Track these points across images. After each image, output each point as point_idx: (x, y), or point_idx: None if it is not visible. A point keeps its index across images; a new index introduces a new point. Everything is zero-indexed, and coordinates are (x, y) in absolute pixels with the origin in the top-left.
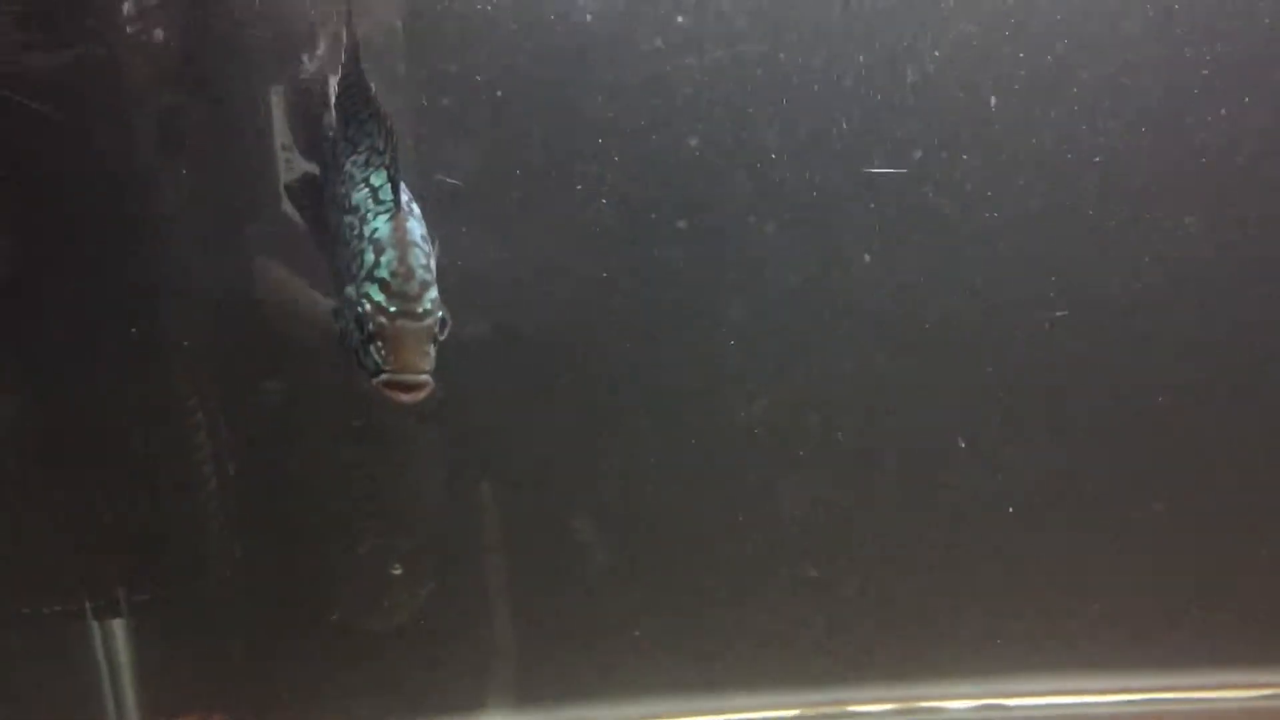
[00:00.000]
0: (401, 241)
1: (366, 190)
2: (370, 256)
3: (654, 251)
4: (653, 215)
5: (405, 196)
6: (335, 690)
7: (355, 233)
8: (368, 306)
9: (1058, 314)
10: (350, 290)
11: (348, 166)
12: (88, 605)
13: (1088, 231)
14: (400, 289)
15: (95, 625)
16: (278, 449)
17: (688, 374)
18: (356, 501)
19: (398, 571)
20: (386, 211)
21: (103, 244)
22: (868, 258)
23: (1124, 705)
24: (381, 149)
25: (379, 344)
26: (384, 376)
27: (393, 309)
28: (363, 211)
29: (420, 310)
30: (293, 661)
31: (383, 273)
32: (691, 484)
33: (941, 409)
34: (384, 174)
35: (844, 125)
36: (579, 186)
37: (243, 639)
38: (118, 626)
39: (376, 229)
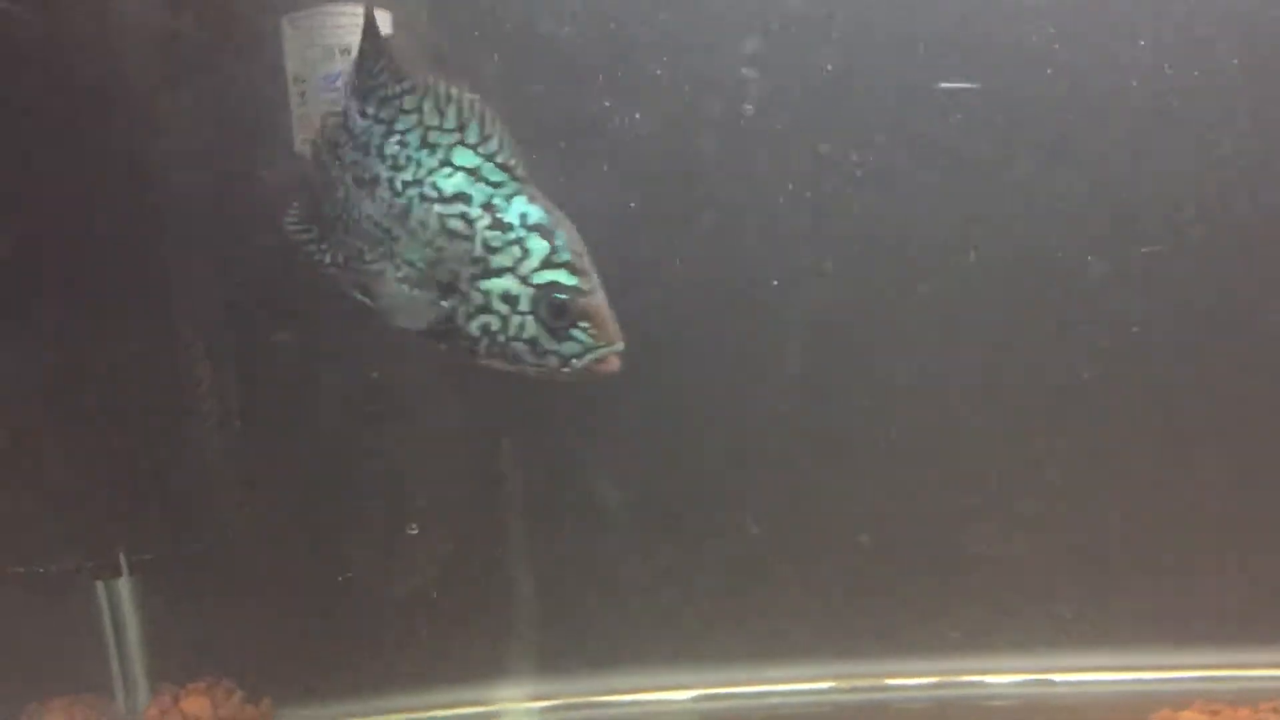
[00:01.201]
0: (561, 219)
1: (460, 174)
2: (539, 243)
3: None
4: None
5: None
6: (345, 655)
7: (482, 223)
8: (563, 293)
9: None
10: (505, 283)
11: (392, 149)
12: (86, 564)
13: None
14: (584, 266)
15: (101, 588)
16: (287, 405)
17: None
18: (369, 461)
19: (413, 532)
20: (514, 193)
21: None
22: None
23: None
24: (459, 125)
25: (584, 324)
26: (598, 353)
27: (586, 287)
28: (480, 198)
29: (599, 281)
30: (302, 626)
31: (564, 255)
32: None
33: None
34: (472, 153)
35: None
36: None
37: (250, 602)
38: (124, 588)
39: (526, 213)
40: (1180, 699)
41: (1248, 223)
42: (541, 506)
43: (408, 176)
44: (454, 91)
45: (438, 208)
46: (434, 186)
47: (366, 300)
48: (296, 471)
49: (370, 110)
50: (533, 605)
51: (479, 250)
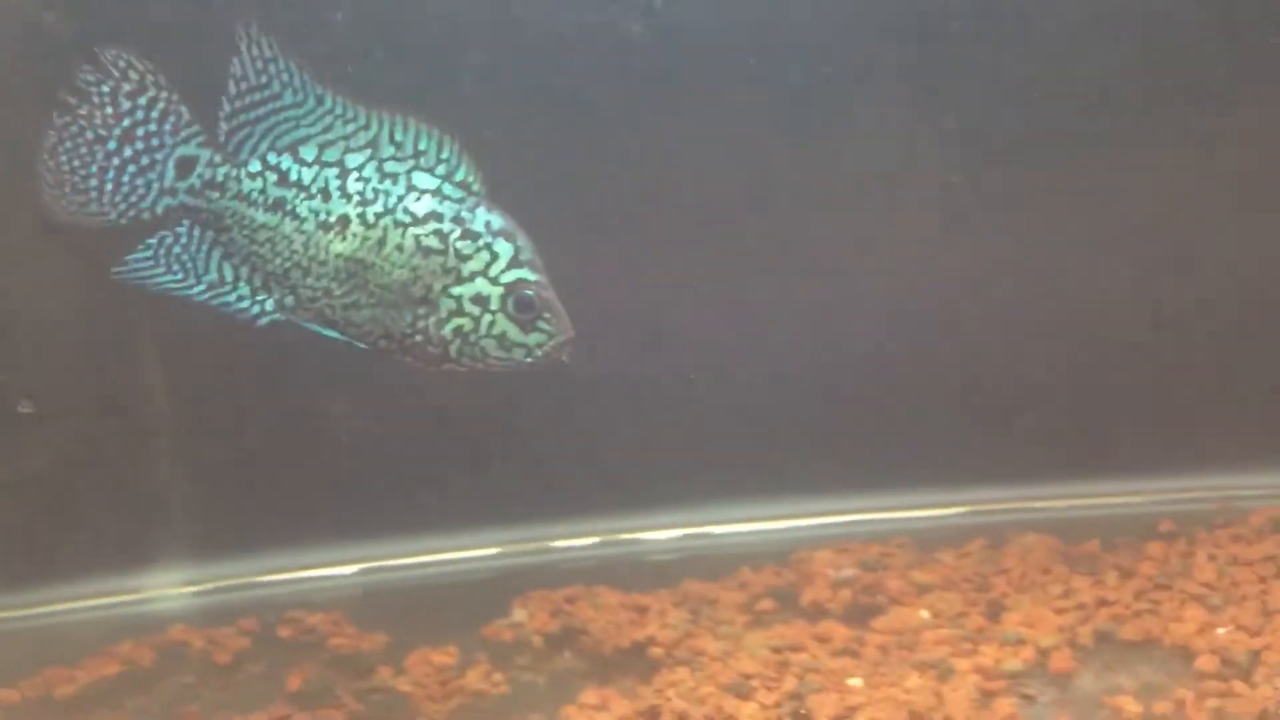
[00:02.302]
0: (515, 224)
1: (426, 195)
2: (505, 245)
3: None
4: None
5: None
6: None
7: (454, 235)
8: (529, 289)
9: None
10: (477, 285)
11: (354, 187)
12: None
13: None
14: (539, 264)
15: None
16: None
17: None
18: None
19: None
20: (477, 203)
21: None
22: None
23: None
24: (415, 153)
25: (547, 315)
26: (558, 340)
27: (545, 282)
28: (449, 213)
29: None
30: None
31: (527, 255)
32: None
33: None
34: (429, 175)
35: None
36: None
37: None
38: None
39: (490, 221)
40: (819, 542)
41: None
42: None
43: (378, 209)
44: (407, 121)
45: (412, 230)
46: (406, 212)
47: (332, 333)
48: None
49: (310, 157)
50: (181, 489)
51: (452, 260)
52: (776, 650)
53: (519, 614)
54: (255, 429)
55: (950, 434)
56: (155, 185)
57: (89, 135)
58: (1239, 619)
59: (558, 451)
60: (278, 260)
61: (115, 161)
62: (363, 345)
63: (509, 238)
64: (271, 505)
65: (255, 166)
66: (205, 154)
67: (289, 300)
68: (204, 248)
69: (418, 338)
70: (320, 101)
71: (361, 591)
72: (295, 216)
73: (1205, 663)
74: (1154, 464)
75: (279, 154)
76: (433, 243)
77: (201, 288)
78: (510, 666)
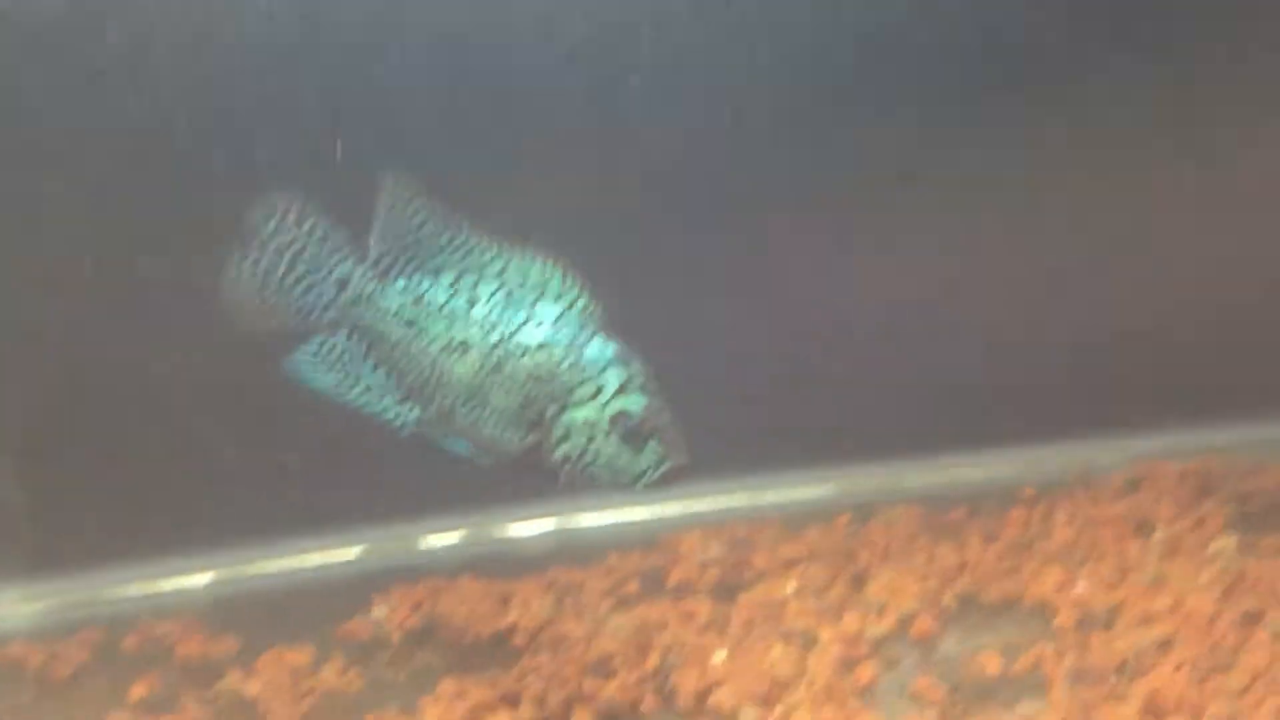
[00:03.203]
0: (627, 352)
1: (545, 326)
2: (614, 375)
3: None
4: None
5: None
6: None
7: (566, 365)
8: (637, 416)
9: None
10: (586, 412)
11: (481, 313)
12: None
13: None
14: (652, 390)
15: None
16: None
17: None
18: None
19: None
20: (592, 335)
21: None
22: None
23: None
24: (542, 284)
25: (655, 440)
26: (668, 464)
27: (656, 408)
28: (564, 344)
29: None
30: None
31: (636, 382)
32: None
33: None
34: (552, 306)
35: None
36: None
37: None
38: None
39: (603, 350)
40: (689, 526)
41: None
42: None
43: (496, 336)
44: (534, 256)
45: (527, 359)
46: (522, 340)
47: (456, 449)
48: None
49: (447, 283)
50: (21, 501)
51: (562, 389)
52: (640, 630)
53: (379, 610)
54: (101, 437)
55: (817, 413)
56: (319, 300)
57: (264, 264)
58: (1097, 575)
59: (420, 447)
60: (411, 375)
61: (287, 283)
62: (489, 460)
63: (619, 367)
64: (118, 515)
65: (399, 285)
66: (357, 271)
67: (426, 413)
68: (359, 356)
69: (534, 456)
70: (460, 234)
71: (215, 600)
72: (425, 335)
73: (1065, 619)
74: (1017, 435)
75: (421, 277)
76: (544, 371)
77: (358, 390)
78: (369, 663)
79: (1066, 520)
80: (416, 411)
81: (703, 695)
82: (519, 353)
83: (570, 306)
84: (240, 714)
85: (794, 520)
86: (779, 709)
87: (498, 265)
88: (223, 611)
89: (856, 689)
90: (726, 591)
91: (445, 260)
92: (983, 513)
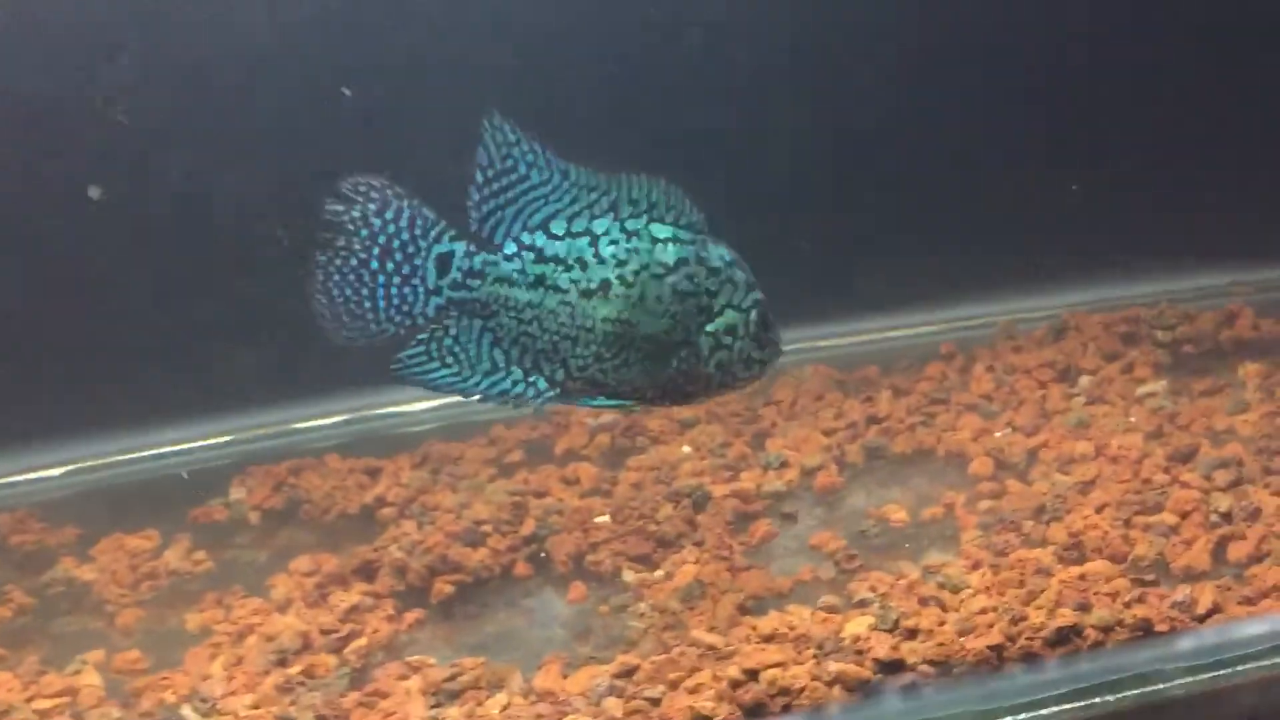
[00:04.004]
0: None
1: (670, 244)
2: (739, 273)
3: None
4: None
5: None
6: None
7: (701, 275)
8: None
9: None
10: (728, 318)
11: (607, 250)
12: None
13: None
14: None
15: None
16: None
17: None
18: None
19: None
20: (707, 240)
21: None
22: None
23: None
24: (649, 205)
25: (774, 328)
26: (780, 350)
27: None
28: (692, 256)
29: None
30: None
31: (752, 277)
32: None
33: None
34: (662, 224)
35: None
36: None
37: None
38: None
39: (723, 253)
40: None
41: None
42: None
43: (634, 266)
44: (637, 178)
45: (668, 279)
46: (659, 264)
47: (603, 401)
48: None
49: (561, 231)
50: None
51: (705, 299)
52: (517, 496)
53: (237, 492)
54: None
55: None
56: (420, 289)
57: (352, 263)
58: (1016, 422)
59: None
60: (546, 336)
61: (381, 279)
62: (632, 404)
63: (740, 265)
64: None
65: (511, 248)
66: (460, 246)
67: (559, 374)
68: (474, 338)
69: (680, 380)
70: (565, 176)
71: (66, 492)
72: (557, 289)
73: (979, 466)
74: (938, 295)
75: (531, 232)
76: (686, 286)
77: (477, 378)
78: (224, 546)
79: (985, 371)
80: (555, 374)
81: (579, 559)
82: (660, 274)
83: (682, 217)
84: (71, 600)
85: None
86: (662, 569)
87: (606, 196)
88: (71, 504)
89: (749, 545)
90: (617, 456)
91: (555, 207)
92: (896, 370)
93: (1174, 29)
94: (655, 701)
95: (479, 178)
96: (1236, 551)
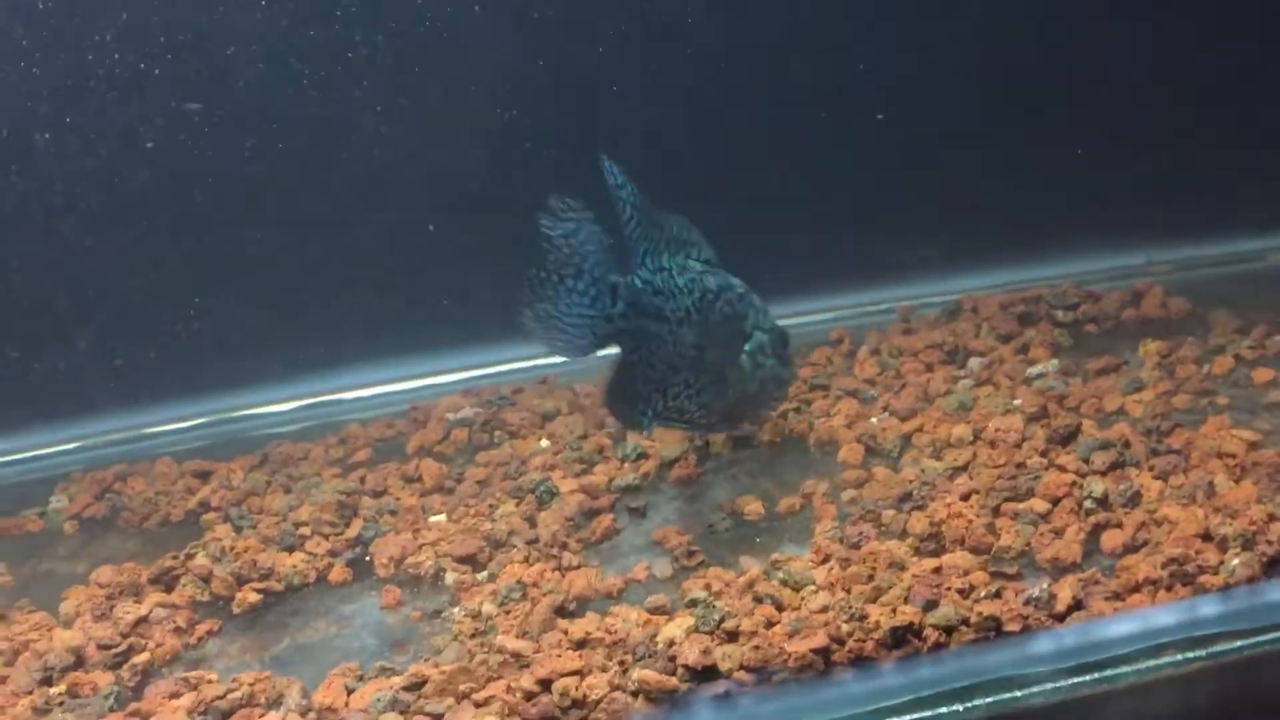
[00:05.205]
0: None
1: (707, 275)
2: (754, 298)
3: None
4: None
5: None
6: None
7: (734, 298)
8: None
9: None
10: (758, 338)
11: (680, 281)
12: None
13: None
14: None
15: None
16: None
17: None
18: None
19: None
20: (719, 272)
21: None
22: None
23: None
24: (686, 244)
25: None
26: (797, 365)
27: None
28: (722, 284)
29: None
30: None
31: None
32: None
33: None
34: (696, 261)
35: None
36: None
37: None
38: None
39: (733, 282)
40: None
41: None
42: None
43: (698, 294)
44: (678, 218)
45: (718, 304)
46: (710, 291)
47: (683, 425)
48: None
49: (654, 266)
50: None
51: (739, 322)
52: (345, 496)
53: (57, 501)
54: None
55: None
56: (601, 313)
57: (554, 278)
58: (894, 407)
59: (146, 329)
60: (661, 365)
61: (575, 298)
62: (704, 429)
63: (748, 291)
64: None
65: (638, 283)
66: (620, 278)
67: (659, 403)
68: (635, 369)
69: (737, 399)
70: (644, 212)
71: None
72: (666, 319)
73: (849, 454)
74: (831, 281)
75: (640, 268)
76: (728, 310)
77: (656, 400)
78: (33, 558)
79: (870, 355)
80: (655, 405)
81: (399, 561)
82: (712, 300)
83: (700, 256)
84: None
85: (571, 375)
86: (487, 569)
87: (665, 231)
88: None
89: (590, 543)
90: (469, 452)
91: (644, 243)
92: None
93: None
94: (437, 717)
95: (626, 216)
96: (1111, 540)
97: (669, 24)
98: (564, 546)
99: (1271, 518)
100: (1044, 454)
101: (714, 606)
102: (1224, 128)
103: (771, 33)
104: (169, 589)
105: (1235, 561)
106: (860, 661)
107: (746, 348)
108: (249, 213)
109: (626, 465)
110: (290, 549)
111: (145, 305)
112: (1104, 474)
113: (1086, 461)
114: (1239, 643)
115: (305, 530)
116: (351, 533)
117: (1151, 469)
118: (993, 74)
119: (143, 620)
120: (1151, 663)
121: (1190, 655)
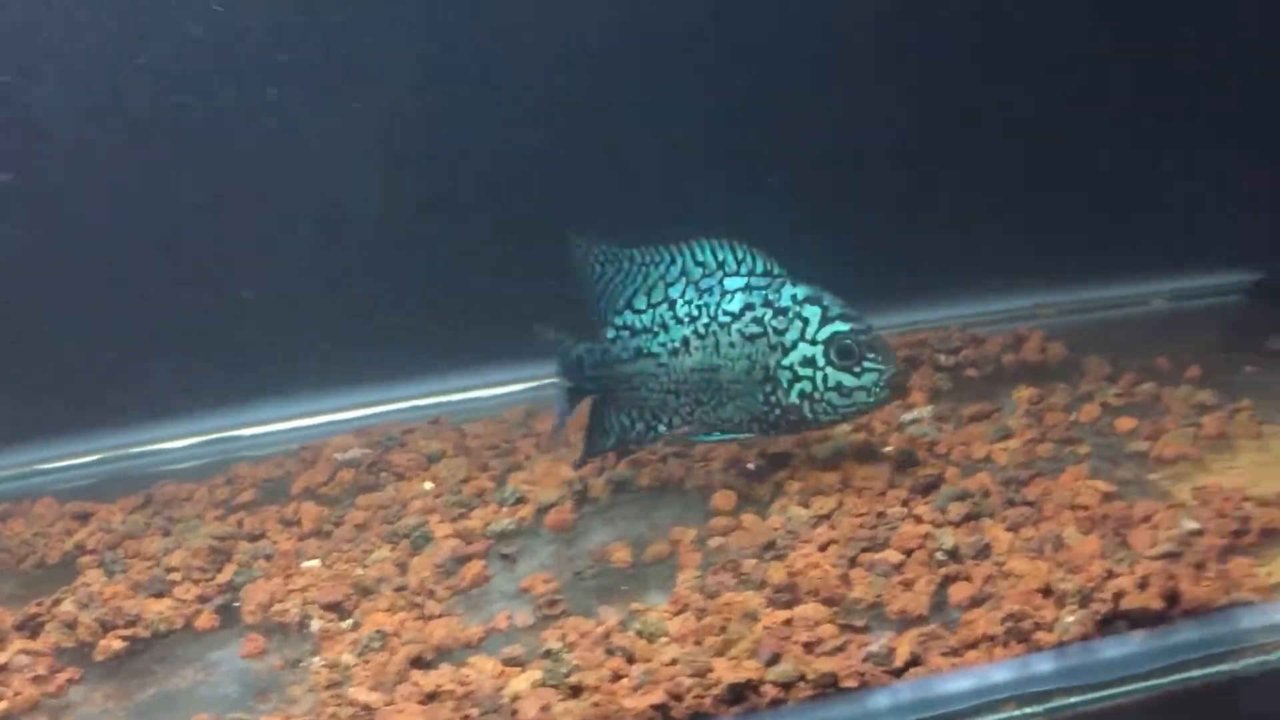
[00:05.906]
0: (820, 288)
1: (736, 295)
2: (812, 309)
3: None
4: None
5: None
6: None
7: (767, 316)
8: (846, 337)
9: None
10: (801, 350)
11: (683, 311)
12: None
13: None
14: (854, 314)
15: None
16: None
17: None
18: None
19: None
20: (781, 284)
21: None
22: None
23: None
24: (718, 264)
25: (871, 355)
26: (889, 373)
27: (861, 327)
28: (759, 300)
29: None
30: None
31: (835, 310)
32: None
33: None
34: (735, 276)
35: None
36: None
37: None
38: None
39: (795, 294)
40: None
41: None
42: None
43: (704, 321)
44: (702, 242)
45: (735, 325)
46: (725, 313)
47: (717, 435)
48: None
49: (643, 305)
50: None
51: (774, 337)
52: (222, 541)
53: None
54: None
55: (496, 315)
56: (576, 386)
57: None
58: (771, 451)
59: (46, 366)
60: (654, 397)
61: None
62: (738, 436)
63: (814, 301)
64: None
65: (610, 334)
66: (583, 347)
67: (675, 422)
68: (600, 412)
69: (776, 411)
70: (631, 260)
71: None
72: (651, 355)
73: (721, 500)
74: None
75: (620, 314)
76: (753, 329)
77: (611, 439)
78: None
79: None
80: (672, 423)
81: (267, 607)
82: (727, 321)
83: (752, 269)
84: None
85: (466, 413)
86: (353, 616)
87: (674, 265)
88: None
89: (458, 588)
90: (354, 493)
91: (630, 287)
92: None
93: (959, 44)
94: None
95: (591, 287)
96: (959, 594)
97: None
98: (430, 594)
99: (1110, 574)
100: (905, 503)
101: (562, 660)
102: (1113, 173)
103: None
104: (34, 635)
105: (1070, 619)
106: (698, 718)
107: (785, 361)
108: (145, 250)
109: (504, 510)
110: (159, 594)
111: (40, 341)
112: (958, 525)
113: (943, 512)
114: (1074, 699)
115: (176, 576)
116: (224, 578)
117: (1004, 520)
118: (889, 121)
119: (2, 668)
120: (992, 717)
121: (1029, 710)
